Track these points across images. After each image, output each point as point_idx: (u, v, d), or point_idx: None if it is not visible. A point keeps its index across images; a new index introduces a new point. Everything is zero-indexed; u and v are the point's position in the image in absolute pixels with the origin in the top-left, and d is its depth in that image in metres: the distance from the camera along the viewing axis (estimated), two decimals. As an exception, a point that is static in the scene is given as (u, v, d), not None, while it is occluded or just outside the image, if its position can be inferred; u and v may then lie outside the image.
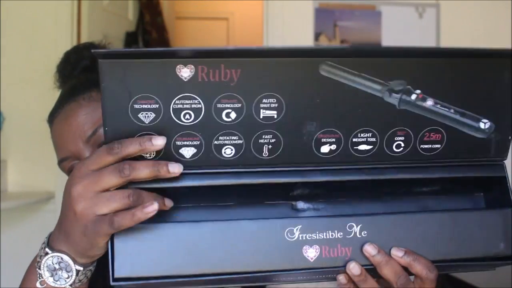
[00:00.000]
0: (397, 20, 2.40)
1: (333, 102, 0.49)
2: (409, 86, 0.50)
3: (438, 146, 0.53)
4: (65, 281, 0.52)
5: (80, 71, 0.79)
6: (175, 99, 0.47)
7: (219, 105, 0.47)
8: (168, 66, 0.46)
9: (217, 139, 0.49)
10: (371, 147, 0.51)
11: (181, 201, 0.53)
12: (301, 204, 0.55)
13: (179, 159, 0.49)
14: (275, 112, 0.48)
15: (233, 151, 0.49)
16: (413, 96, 0.50)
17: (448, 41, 2.39)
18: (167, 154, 0.48)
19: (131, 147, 0.47)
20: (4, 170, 2.12)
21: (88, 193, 0.48)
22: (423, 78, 0.50)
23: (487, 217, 0.55)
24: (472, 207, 0.58)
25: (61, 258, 0.52)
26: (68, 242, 0.51)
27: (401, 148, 0.52)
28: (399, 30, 2.40)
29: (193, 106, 0.47)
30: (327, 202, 0.56)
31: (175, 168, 0.48)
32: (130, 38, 2.68)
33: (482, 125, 0.52)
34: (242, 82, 0.47)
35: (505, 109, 0.53)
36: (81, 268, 0.52)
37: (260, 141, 0.49)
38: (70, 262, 0.52)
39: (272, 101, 0.48)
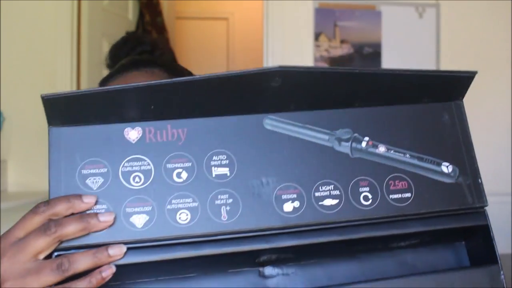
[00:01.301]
0: (397, 20, 2.40)
1: (286, 156, 0.49)
2: (356, 134, 0.50)
3: (409, 195, 0.50)
4: None
5: (139, 53, 0.84)
6: (124, 161, 0.47)
7: (168, 165, 0.47)
8: (116, 130, 0.47)
9: (170, 203, 0.46)
10: (336, 201, 0.49)
11: (137, 275, 0.49)
12: (269, 270, 0.51)
13: (131, 229, 0.45)
14: (227, 169, 0.48)
15: (189, 216, 0.46)
16: (363, 144, 0.50)
17: (448, 41, 2.39)
18: (117, 224, 0.45)
19: (59, 204, 0.44)
20: (4, 170, 2.12)
21: (15, 268, 0.44)
22: (369, 125, 0.50)
23: (473, 277, 0.51)
24: (454, 258, 0.55)
25: None
26: None
27: (370, 200, 0.49)
28: (399, 30, 2.40)
29: (142, 168, 0.47)
30: (298, 265, 0.52)
31: (106, 217, 0.44)
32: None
33: (444, 169, 0.51)
34: (190, 140, 0.48)
35: (461, 152, 0.52)
36: None
37: (216, 202, 0.47)
38: None
39: (223, 158, 0.48)
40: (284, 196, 0.48)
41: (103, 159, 0.47)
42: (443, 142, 0.52)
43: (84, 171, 0.46)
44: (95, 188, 0.46)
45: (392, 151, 0.50)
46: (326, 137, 0.49)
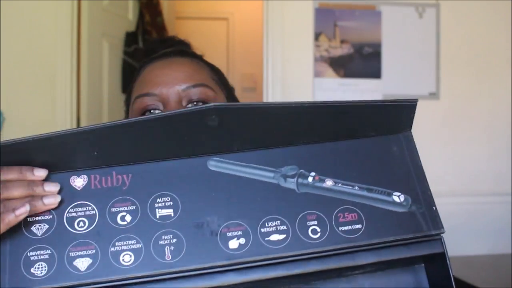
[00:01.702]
0: (397, 20, 2.40)
1: (231, 194, 0.49)
2: (302, 170, 0.50)
3: (359, 226, 0.49)
4: None
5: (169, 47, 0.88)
6: (69, 208, 0.48)
7: (113, 209, 0.48)
8: (62, 179, 0.48)
9: (114, 245, 0.47)
10: (283, 236, 0.48)
11: None
12: None
13: (73, 272, 0.46)
14: (171, 210, 0.48)
15: (132, 257, 0.47)
16: (310, 179, 0.50)
17: (448, 41, 2.39)
18: (60, 269, 0.46)
19: (10, 173, 0.46)
20: (4, 170, 2.11)
21: None
22: (315, 161, 0.50)
23: None
24: (413, 281, 0.54)
25: None
26: None
27: (318, 234, 0.49)
28: (399, 30, 2.40)
29: (86, 213, 0.48)
30: None
31: (51, 187, 0.47)
32: (130, 38, 2.68)
33: (396, 199, 0.51)
34: (134, 185, 0.49)
35: (413, 182, 0.51)
36: None
37: (160, 242, 0.47)
38: None
39: (167, 200, 0.48)
40: (229, 234, 0.48)
41: None
42: (394, 173, 0.52)
43: (30, 218, 0.47)
44: (39, 235, 0.47)
45: (340, 184, 0.50)
46: (271, 174, 0.50)
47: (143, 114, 0.72)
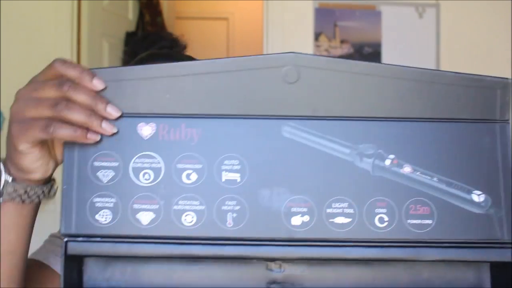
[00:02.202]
0: (397, 20, 2.40)
1: (301, 167, 0.46)
2: (380, 150, 0.46)
3: (429, 221, 0.46)
4: None
5: (159, 48, 0.87)
6: (135, 157, 0.47)
7: (179, 166, 0.47)
8: (129, 124, 0.47)
9: (177, 204, 0.46)
10: (349, 220, 0.46)
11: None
12: (277, 266, 0.50)
13: (136, 225, 0.46)
14: (238, 175, 0.46)
15: (194, 219, 0.46)
16: (387, 162, 0.46)
17: (448, 41, 2.39)
18: (124, 219, 0.46)
19: (73, 70, 0.47)
20: (4, 170, 2.11)
21: (24, 96, 0.48)
22: (396, 141, 0.47)
23: None
24: (475, 278, 0.50)
25: None
26: (6, 146, 0.50)
27: (385, 223, 0.46)
28: (399, 30, 2.40)
29: (152, 165, 0.47)
30: (307, 264, 0.50)
31: (114, 110, 0.46)
32: (130, 38, 2.68)
33: (475, 198, 0.47)
34: (203, 142, 0.47)
35: (498, 181, 0.47)
36: (9, 179, 0.51)
37: (223, 208, 0.46)
38: (2, 167, 0.51)
39: (235, 163, 0.47)
40: (293, 209, 0.46)
41: (115, 152, 0.47)
42: (479, 168, 0.47)
43: (96, 163, 0.46)
44: (105, 181, 0.46)
45: (418, 173, 0.46)
46: (348, 150, 0.46)
47: None
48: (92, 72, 0.47)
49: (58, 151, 0.52)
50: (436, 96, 0.47)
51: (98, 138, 0.46)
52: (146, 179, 0.47)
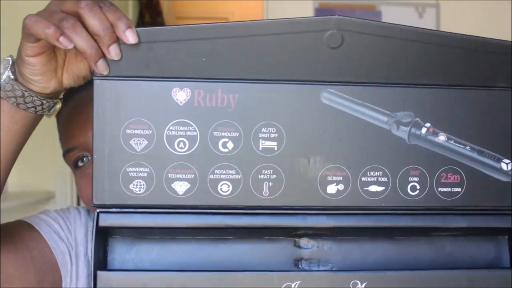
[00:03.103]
0: (397, 20, 2.40)
1: (338, 135, 0.46)
2: (417, 119, 0.47)
3: (459, 190, 0.48)
4: None
5: None
6: (170, 124, 0.45)
7: (215, 133, 0.45)
8: (163, 89, 0.45)
9: (213, 173, 0.45)
10: (382, 188, 0.47)
11: (176, 233, 0.49)
12: (304, 242, 0.50)
13: (171, 195, 0.45)
14: (275, 143, 0.46)
15: (230, 188, 0.46)
16: (423, 130, 0.47)
17: (448, 41, 2.39)
18: (158, 189, 0.45)
19: (111, 14, 0.45)
20: (4, 170, 2.11)
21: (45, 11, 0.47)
22: (433, 109, 0.47)
23: (508, 280, 0.49)
24: (494, 252, 0.52)
25: (7, 61, 0.51)
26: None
27: (417, 191, 0.47)
28: (399, 30, 2.40)
29: (187, 133, 0.45)
30: (333, 240, 0.50)
31: (132, 34, 0.44)
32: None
33: (504, 166, 0.48)
34: (240, 108, 0.45)
35: None
36: (12, 76, 0.50)
37: (260, 177, 0.46)
38: (10, 62, 0.50)
39: (272, 131, 0.46)
40: (329, 178, 0.46)
41: (148, 119, 0.45)
42: (509, 137, 0.48)
43: (128, 131, 0.45)
44: (138, 150, 0.45)
45: (452, 141, 0.47)
46: (385, 118, 0.46)
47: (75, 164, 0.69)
48: (130, 22, 0.44)
49: (66, 74, 0.51)
50: (478, 63, 0.47)
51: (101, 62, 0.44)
52: (181, 148, 0.45)
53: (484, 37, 0.48)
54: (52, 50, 0.49)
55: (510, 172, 0.48)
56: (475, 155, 0.48)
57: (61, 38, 0.44)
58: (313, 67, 0.46)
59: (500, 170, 0.48)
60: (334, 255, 0.50)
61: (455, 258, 0.51)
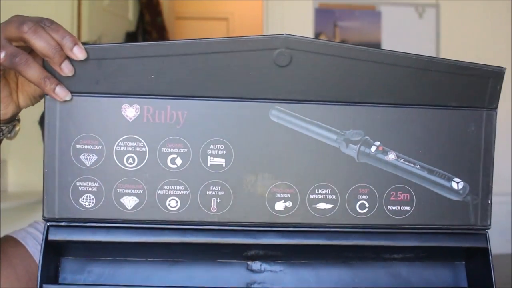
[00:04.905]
0: (397, 20, 2.40)
1: (286, 152, 0.46)
2: (367, 137, 0.47)
3: (408, 208, 0.47)
4: None
5: None
6: (119, 140, 0.46)
7: (164, 150, 0.46)
8: (113, 105, 0.45)
9: (161, 189, 0.46)
10: (331, 206, 0.47)
11: (127, 254, 0.50)
12: (257, 265, 0.51)
13: (120, 209, 0.46)
14: (223, 160, 0.46)
15: (179, 204, 0.46)
16: (373, 148, 0.47)
17: (448, 41, 2.39)
18: (107, 203, 0.46)
19: (55, 33, 0.45)
20: (4, 170, 2.11)
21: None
22: (383, 127, 0.47)
23: None
24: (452, 277, 0.52)
25: None
26: None
27: (366, 209, 0.47)
28: (399, 30, 2.40)
29: (137, 149, 0.46)
30: (287, 264, 0.51)
31: (80, 52, 0.44)
32: (130, 38, 2.68)
33: (454, 185, 0.48)
34: (188, 125, 0.46)
35: (478, 168, 0.48)
36: None
37: (208, 193, 0.46)
38: None
39: (220, 148, 0.46)
40: (277, 195, 0.47)
41: (98, 135, 0.46)
42: (461, 155, 0.48)
43: (79, 146, 0.45)
44: (88, 165, 0.45)
45: (402, 160, 0.47)
46: (334, 136, 0.47)
47: None
48: (75, 39, 0.45)
49: (22, 96, 0.51)
50: (428, 83, 0.47)
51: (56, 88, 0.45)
52: (130, 163, 0.46)
53: (434, 57, 0.47)
54: (3, 76, 0.49)
55: (461, 191, 0.48)
56: (425, 173, 0.47)
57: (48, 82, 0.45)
58: (262, 85, 0.46)
59: (450, 189, 0.48)
60: (288, 278, 0.50)
61: (411, 284, 0.51)
